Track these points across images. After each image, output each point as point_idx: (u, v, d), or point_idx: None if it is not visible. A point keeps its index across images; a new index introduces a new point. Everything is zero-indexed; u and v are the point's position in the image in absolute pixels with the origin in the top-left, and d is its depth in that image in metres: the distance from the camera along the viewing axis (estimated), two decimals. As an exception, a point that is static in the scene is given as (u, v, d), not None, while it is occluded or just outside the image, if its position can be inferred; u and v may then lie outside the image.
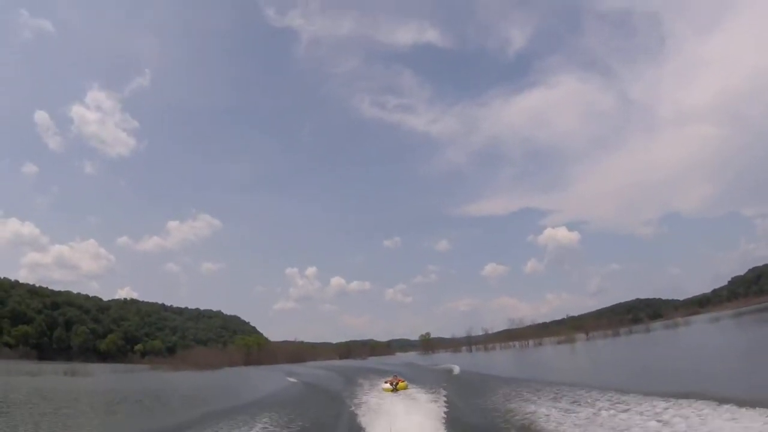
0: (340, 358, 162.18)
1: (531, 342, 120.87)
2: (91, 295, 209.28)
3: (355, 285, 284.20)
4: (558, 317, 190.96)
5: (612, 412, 14.76)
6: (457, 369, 44.48)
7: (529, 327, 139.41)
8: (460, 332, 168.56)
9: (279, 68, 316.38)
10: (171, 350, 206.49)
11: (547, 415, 15.85)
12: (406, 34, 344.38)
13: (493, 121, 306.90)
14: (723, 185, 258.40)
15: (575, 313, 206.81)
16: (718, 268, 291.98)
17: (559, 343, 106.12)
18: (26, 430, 21.21)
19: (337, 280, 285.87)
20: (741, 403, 12.66)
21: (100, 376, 79.46)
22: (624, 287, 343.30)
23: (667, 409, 13.68)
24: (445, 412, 18.50)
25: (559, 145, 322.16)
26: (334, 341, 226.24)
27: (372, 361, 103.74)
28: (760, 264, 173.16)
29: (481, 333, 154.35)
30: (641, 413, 13.86)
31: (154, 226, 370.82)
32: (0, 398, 34.37)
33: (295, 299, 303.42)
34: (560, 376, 31.14)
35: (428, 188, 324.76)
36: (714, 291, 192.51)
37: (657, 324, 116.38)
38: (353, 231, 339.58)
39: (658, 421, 12.56)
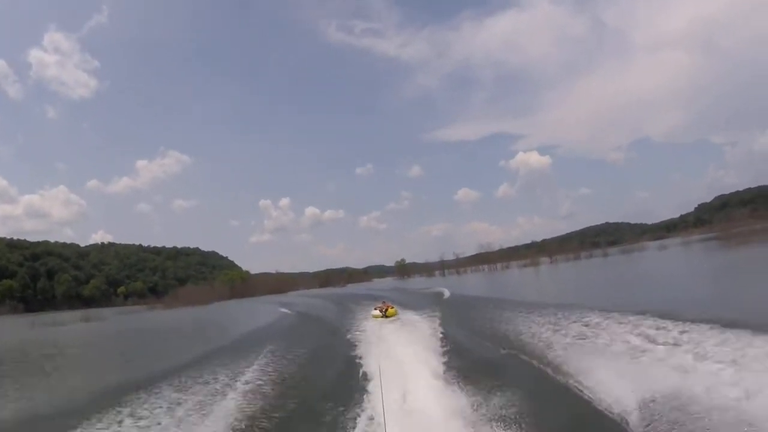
0: (320, 286, 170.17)
1: (499, 265, 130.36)
2: (67, 242, 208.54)
3: (329, 214, 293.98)
4: (529, 241, 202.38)
5: (579, 324, 15.43)
6: (447, 293, 43.14)
7: (498, 251, 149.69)
8: (433, 257, 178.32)
9: None
10: (153, 290, 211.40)
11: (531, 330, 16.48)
12: None
13: (465, 44, 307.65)
14: (694, 113, 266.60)
15: (546, 236, 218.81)
16: (687, 194, 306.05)
17: (524, 266, 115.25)
18: (152, 352, 28.47)
19: (311, 210, 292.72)
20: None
21: (117, 318, 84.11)
22: (594, 211, 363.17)
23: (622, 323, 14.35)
24: (441, 335, 18.66)
25: (532, 69, 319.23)
26: (311, 271, 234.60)
27: (359, 288, 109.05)
28: (727, 192, 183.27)
29: (452, 257, 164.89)
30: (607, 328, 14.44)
31: (123, 166, 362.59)
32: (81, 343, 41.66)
33: (270, 231, 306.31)
34: (528, 296, 35.97)
35: (399, 114, 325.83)
36: (681, 217, 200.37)
37: (614, 249, 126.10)
38: (325, 160, 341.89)
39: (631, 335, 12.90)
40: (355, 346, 18.00)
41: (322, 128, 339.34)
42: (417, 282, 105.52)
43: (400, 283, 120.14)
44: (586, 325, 15.27)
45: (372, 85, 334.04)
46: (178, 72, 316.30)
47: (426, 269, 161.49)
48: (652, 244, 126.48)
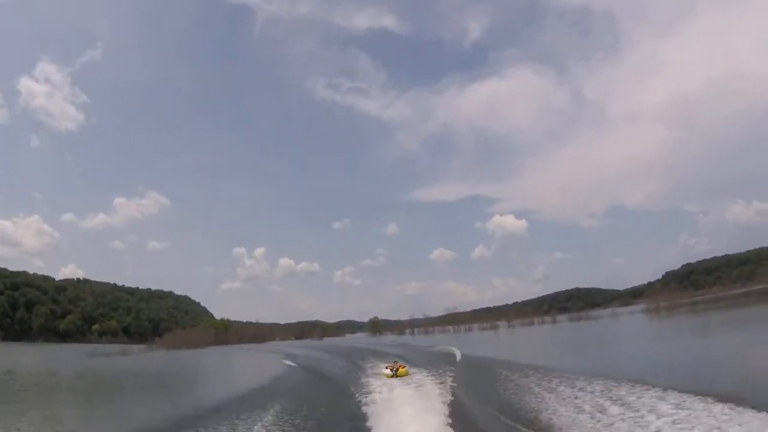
0: (296, 338, 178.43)
1: (463, 327, 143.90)
2: (47, 275, 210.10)
3: (303, 266, 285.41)
4: (502, 303, 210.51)
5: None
6: (458, 354, 41.20)
7: (465, 313, 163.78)
8: (405, 315, 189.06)
9: (234, 47, 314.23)
10: (126, 330, 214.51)
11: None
12: (363, 19, 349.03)
13: (447, 109, 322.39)
14: (668, 182, 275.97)
15: (520, 298, 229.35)
16: (660, 260, 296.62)
17: (484, 329, 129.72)
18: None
19: (285, 261, 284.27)
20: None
21: (138, 355, 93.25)
22: (568, 275, 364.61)
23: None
24: (450, 402, 18.83)
25: (511, 136, 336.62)
26: (281, 322, 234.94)
27: (358, 341, 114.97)
28: (699, 259, 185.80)
29: (422, 317, 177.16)
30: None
31: (101, 203, 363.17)
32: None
33: (242, 279, 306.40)
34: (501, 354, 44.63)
35: (379, 172, 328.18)
36: (649, 283, 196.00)
37: (563, 317, 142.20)
38: (303, 212, 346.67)
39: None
40: (365, 410, 18.03)
41: (302, 180, 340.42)
42: (390, 339, 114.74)
43: (372, 339, 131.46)
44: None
45: (354, 142, 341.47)
46: (164, 114, 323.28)
47: (397, 327, 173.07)
48: (604, 312, 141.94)
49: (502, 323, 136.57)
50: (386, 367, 28.82)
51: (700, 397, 13.53)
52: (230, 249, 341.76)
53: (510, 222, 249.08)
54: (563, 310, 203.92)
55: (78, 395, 34.57)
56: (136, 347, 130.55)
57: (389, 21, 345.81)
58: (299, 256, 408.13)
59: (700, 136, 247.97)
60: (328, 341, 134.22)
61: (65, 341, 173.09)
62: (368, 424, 15.93)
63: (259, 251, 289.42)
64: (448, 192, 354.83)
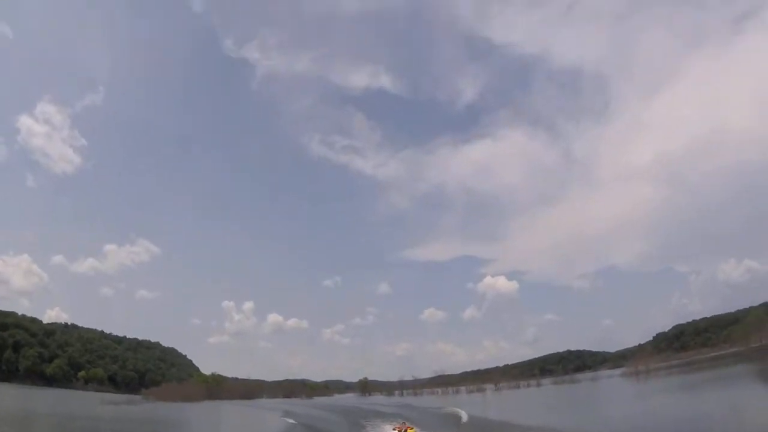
0: (284, 396, 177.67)
1: (451, 389, 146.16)
2: (35, 317, 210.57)
3: (292, 323, 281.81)
4: (494, 365, 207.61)
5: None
6: (464, 416, 41.37)
7: (452, 375, 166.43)
8: (394, 375, 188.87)
9: (232, 99, 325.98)
10: (111, 379, 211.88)
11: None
12: (360, 78, 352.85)
13: (439, 169, 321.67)
14: (658, 242, 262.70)
15: (512, 360, 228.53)
16: (652, 321, 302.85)
17: (470, 392, 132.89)
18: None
19: (274, 317, 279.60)
20: None
21: (144, 405, 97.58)
22: (559, 337, 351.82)
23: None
24: None
25: (502, 196, 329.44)
26: (268, 379, 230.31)
27: (354, 401, 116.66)
28: (690, 319, 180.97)
29: (411, 378, 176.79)
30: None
31: (91, 247, 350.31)
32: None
33: (230, 333, 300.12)
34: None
35: (371, 230, 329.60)
36: (639, 345, 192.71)
37: (547, 380, 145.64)
38: (294, 268, 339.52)
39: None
40: None
41: (294, 236, 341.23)
42: (389, 399, 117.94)
43: (363, 399, 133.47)
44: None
45: (348, 199, 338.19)
46: (160, 161, 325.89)
47: (386, 388, 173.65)
48: (584, 376, 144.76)
49: (489, 386, 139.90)
50: (393, 429, 28.37)
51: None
52: (219, 302, 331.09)
53: (501, 283, 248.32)
54: (553, 372, 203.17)
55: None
56: (135, 397, 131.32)
57: (385, 81, 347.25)
58: (288, 312, 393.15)
59: (688, 194, 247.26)
60: (319, 401, 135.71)
61: (51, 386, 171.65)
62: None
63: (248, 305, 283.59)
64: (439, 251, 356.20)
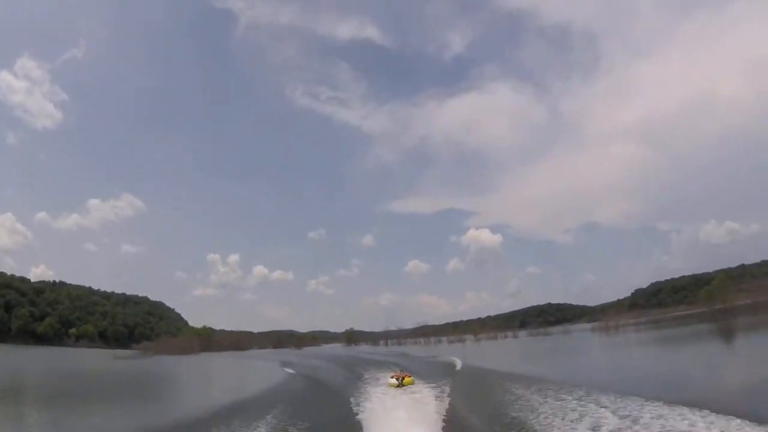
0: (273, 347, 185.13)
1: (433, 339, 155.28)
2: (25, 277, 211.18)
3: (277, 275, 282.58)
4: (476, 316, 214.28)
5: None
6: (459, 363, 43.45)
7: (434, 326, 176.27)
8: (378, 326, 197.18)
9: (215, 50, 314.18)
10: (102, 335, 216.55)
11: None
12: (346, 29, 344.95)
13: (426, 122, 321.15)
14: (641, 201, 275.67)
15: (493, 312, 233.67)
16: (633, 277, 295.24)
17: (451, 342, 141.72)
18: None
19: (259, 269, 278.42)
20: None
21: (152, 359, 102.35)
22: (541, 290, 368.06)
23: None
24: (447, 411, 19.93)
25: (488, 151, 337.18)
26: (254, 330, 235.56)
27: (360, 350, 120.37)
28: (669, 277, 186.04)
29: (395, 329, 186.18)
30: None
31: (75, 203, 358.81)
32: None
33: (215, 286, 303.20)
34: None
35: (357, 183, 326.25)
36: (618, 301, 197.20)
37: (523, 333, 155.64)
38: (279, 220, 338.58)
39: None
40: (369, 421, 18.56)
41: (278, 188, 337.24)
42: (366, 349, 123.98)
43: (348, 349, 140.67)
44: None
45: (332, 152, 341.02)
46: (142, 115, 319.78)
47: (372, 338, 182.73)
48: (557, 329, 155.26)
49: (469, 337, 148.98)
50: (392, 377, 29.30)
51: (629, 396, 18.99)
52: (204, 255, 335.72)
53: (485, 236, 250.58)
54: (530, 324, 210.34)
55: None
56: (136, 352, 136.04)
57: (372, 32, 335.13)
58: (273, 264, 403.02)
59: (673, 155, 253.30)
60: (310, 350, 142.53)
61: (43, 344, 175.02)
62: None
63: (233, 258, 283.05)
64: (424, 204, 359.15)
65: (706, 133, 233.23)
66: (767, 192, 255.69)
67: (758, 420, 13.98)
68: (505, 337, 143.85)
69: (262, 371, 60.17)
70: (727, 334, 57.03)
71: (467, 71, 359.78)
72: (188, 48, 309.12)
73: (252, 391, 34.83)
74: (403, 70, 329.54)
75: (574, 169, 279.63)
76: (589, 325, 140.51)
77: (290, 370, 50.02)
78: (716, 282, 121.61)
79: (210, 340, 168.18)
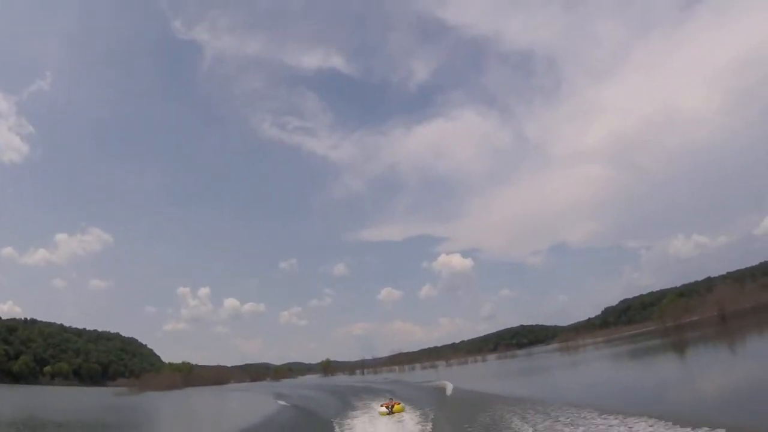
0: (251, 380, 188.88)
1: (407, 367, 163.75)
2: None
3: (249, 307, 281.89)
4: (451, 341, 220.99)
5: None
6: (450, 387, 44.96)
7: (409, 353, 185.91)
8: (353, 356, 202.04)
9: (182, 82, 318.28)
10: (76, 373, 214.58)
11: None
12: (312, 59, 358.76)
13: (393, 149, 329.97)
14: (609, 220, 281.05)
15: (467, 336, 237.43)
16: (604, 295, 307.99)
17: (423, 368, 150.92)
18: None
19: (230, 302, 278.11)
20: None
21: (147, 395, 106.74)
22: (514, 312, 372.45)
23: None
24: None
25: (456, 176, 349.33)
26: (228, 365, 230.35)
27: (352, 379, 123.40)
28: (638, 293, 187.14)
29: (370, 357, 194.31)
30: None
31: (42, 238, 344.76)
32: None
33: (186, 320, 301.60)
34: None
35: (326, 212, 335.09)
36: (589, 320, 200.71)
37: (492, 356, 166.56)
38: (249, 251, 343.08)
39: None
40: None
41: (248, 220, 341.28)
42: (342, 379, 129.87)
43: (326, 380, 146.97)
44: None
45: (301, 181, 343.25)
46: (109, 148, 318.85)
47: (348, 368, 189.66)
48: (522, 352, 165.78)
49: (441, 362, 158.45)
50: (382, 405, 29.48)
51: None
52: (174, 288, 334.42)
53: (456, 261, 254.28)
54: (509, 347, 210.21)
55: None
56: (125, 389, 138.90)
57: (337, 61, 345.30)
58: (245, 296, 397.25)
59: (637, 173, 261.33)
60: (290, 382, 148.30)
61: (18, 382, 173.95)
62: None
63: (204, 291, 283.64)
64: (395, 232, 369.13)
65: (669, 148, 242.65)
66: (733, 203, 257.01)
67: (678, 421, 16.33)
68: (475, 361, 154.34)
69: (254, 403, 62.58)
70: (668, 349, 65.32)
71: (433, 98, 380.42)
72: (155, 80, 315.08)
73: (254, 419, 38.45)
74: (370, 99, 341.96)
75: (540, 191, 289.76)
76: (552, 347, 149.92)
77: (283, 402, 51.45)
78: (667, 301, 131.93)
79: (190, 375, 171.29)
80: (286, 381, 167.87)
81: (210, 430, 40.86)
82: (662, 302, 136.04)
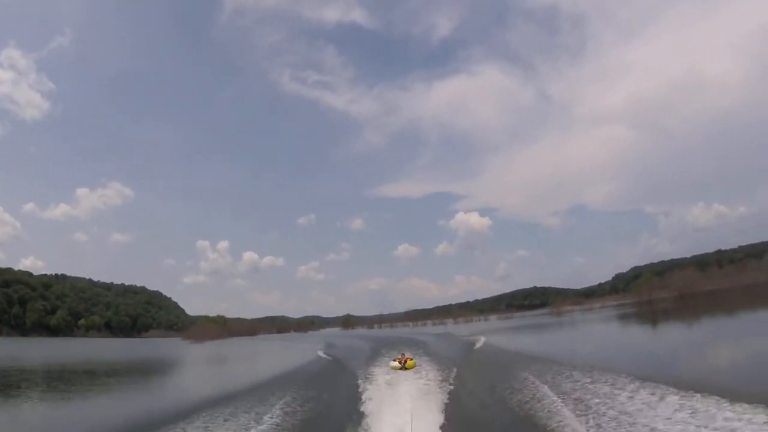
0: (278, 332, 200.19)
1: (420, 322, 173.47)
2: (32, 272, 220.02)
3: (267, 260, 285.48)
4: (465, 299, 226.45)
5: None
6: (481, 341, 48.71)
7: (423, 310, 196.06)
8: (369, 310, 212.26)
9: (201, 35, 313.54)
10: (107, 325, 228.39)
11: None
12: (332, 12, 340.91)
13: (413, 105, 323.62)
14: (629, 183, 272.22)
15: (482, 295, 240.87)
16: (620, 260, 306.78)
17: (434, 324, 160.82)
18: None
19: (249, 255, 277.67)
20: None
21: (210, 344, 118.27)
22: (530, 273, 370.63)
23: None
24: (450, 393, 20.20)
25: (476, 133, 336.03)
26: (247, 317, 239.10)
27: (398, 331, 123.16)
28: (656, 260, 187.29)
29: (387, 313, 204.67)
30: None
31: (63, 193, 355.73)
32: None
33: (205, 273, 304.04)
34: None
35: (345, 167, 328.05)
36: (600, 285, 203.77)
37: (493, 316, 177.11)
38: (267, 206, 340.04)
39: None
40: (369, 404, 18.67)
41: (266, 174, 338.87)
42: (356, 332, 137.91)
43: (348, 332, 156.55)
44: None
45: (320, 136, 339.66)
46: (130, 103, 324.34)
47: (366, 322, 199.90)
48: (520, 314, 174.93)
49: (449, 320, 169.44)
50: (394, 360, 29.96)
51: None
52: (193, 242, 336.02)
53: (474, 219, 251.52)
54: (521, 307, 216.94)
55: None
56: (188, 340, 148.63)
57: (358, 15, 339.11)
58: (263, 250, 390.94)
59: (661, 137, 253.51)
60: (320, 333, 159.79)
61: (56, 335, 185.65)
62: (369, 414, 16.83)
63: (223, 245, 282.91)
64: (413, 188, 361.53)
65: (694, 114, 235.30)
66: (755, 174, 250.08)
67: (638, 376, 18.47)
68: (479, 320, 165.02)
69: (301, 350, 63.93)
70: (636, 318, 72.33)
71: (455, 53, 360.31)
72: (174, 33, 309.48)
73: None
74: (390, 53, 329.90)
75: (562, 151, 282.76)
76: (545, 310, 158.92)
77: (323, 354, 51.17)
78: (644, 277, 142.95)
79: (227, 327, 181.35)
80: (311, 333, 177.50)
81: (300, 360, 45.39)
82: (640, 278, 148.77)
